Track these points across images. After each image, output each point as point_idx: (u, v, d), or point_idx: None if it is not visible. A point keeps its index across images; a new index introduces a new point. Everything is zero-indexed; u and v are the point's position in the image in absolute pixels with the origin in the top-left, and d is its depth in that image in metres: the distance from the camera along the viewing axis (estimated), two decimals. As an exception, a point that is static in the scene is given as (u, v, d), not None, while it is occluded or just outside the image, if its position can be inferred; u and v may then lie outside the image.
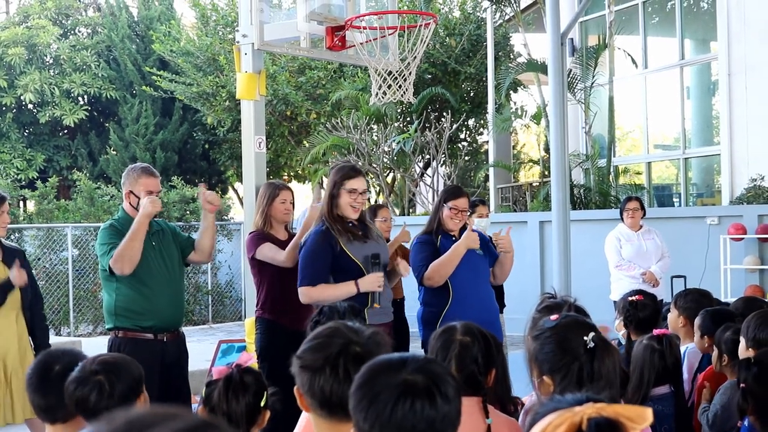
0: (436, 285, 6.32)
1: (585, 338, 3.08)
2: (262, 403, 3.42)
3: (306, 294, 5.76)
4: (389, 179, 20.14)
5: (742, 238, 12.27)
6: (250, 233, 6.63)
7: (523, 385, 3.81)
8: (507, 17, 20.18)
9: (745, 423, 4.13)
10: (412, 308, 8.14)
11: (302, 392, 2.62)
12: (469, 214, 7.65)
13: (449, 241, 6.49)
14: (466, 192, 6.80)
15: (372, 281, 5.71)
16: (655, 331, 4.59)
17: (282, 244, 6.47)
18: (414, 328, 7.09)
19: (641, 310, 5.18)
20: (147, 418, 1.30)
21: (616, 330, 5.48)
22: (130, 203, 6.08)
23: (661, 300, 8.93)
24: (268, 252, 6.41)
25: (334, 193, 5.81)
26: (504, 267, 6.67)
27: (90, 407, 3.39)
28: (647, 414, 1.66)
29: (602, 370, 3.05)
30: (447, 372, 2.24)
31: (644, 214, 10.15)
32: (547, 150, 19.24)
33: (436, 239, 6.52)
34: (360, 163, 17.46)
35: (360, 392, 2.18)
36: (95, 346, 11.51)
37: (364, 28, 7.58)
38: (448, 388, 2.17)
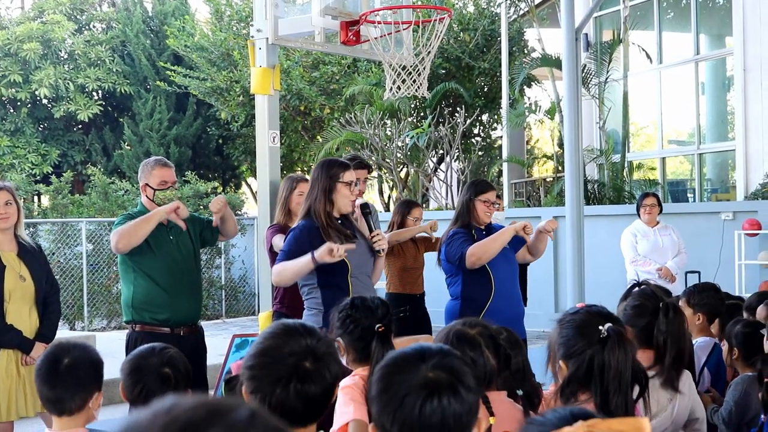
0: (477, 265, 6.29)
1: (601, 327, 3.05)
2: None
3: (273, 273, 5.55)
4: (402, 174, 20.13)
5: (757, 234, 12.24)
6: (269, 227, 6.70)
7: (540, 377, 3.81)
8: (521, 12, 20.15)
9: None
10: (434, 303, 8.09)
11: (248, 392, 2.51)
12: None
13: (483, 235, 6.51)
14: (493, 185, 6.85)
15: (324, 250, 5.22)
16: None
17: None
18: (436, 323, 6.97)
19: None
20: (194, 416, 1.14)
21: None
22: (147, 196, 6.12)
23: (677, 297, 8.93)
24: (278, 242, 6.40)
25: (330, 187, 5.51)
26: (543, 243, 6.72)
27: (152, 399, 3.41)
28: (644, 425, 1.48)
29: (611, 362, 3.03)
30: (464, 363, 2.22)
31: (661, 210, 10.12)
32: (560, 145, 19.20)
33: (472, 232, 6.51)
34: (374, 158, 17.46)
35: (383, 397, 2.15)
36: (109, 340, 11.59)
37: (379, 22, 7.57)
38: (468, 379, 2.16)
